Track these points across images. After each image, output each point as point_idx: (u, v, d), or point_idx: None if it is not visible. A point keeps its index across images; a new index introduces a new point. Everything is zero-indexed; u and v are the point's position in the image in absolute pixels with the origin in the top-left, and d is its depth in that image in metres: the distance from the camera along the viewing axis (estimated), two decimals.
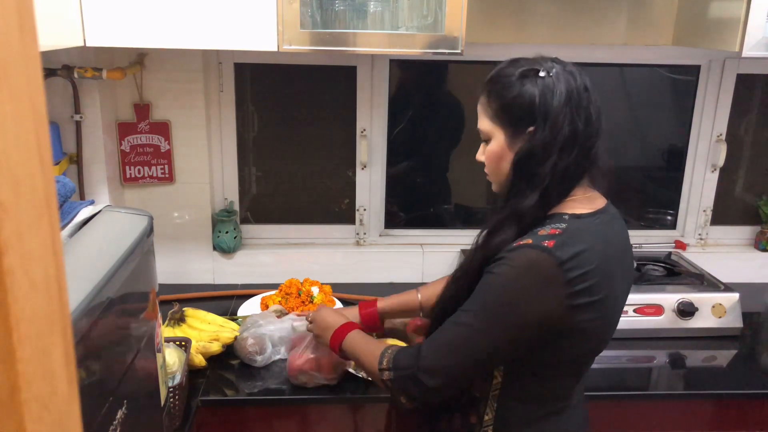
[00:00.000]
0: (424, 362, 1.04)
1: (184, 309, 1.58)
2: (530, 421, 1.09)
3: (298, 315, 1.55)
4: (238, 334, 1.52)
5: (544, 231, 1.00)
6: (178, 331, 1.53)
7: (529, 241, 0.98)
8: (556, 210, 1.04)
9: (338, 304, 1.76)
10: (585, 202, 1.06)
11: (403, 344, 1.27)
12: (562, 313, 0.97)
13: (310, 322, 1.36)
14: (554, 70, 1.03)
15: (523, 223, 1.03)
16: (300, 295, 1.74)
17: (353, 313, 1.43)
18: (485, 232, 1.08)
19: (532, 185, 1.02)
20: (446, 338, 1.04)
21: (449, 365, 1.04)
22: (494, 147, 1.07)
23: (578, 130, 1.01)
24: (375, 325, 1.43)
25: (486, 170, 1.12)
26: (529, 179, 1.03)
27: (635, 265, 1.85)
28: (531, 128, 1.02)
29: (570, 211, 1.03)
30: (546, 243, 0.97)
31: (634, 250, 2.04)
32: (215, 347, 1.50)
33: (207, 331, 1.53)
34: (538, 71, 1.03)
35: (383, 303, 1.44)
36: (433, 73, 2.04)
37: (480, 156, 1.11)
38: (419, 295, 1.42)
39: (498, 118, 1.06)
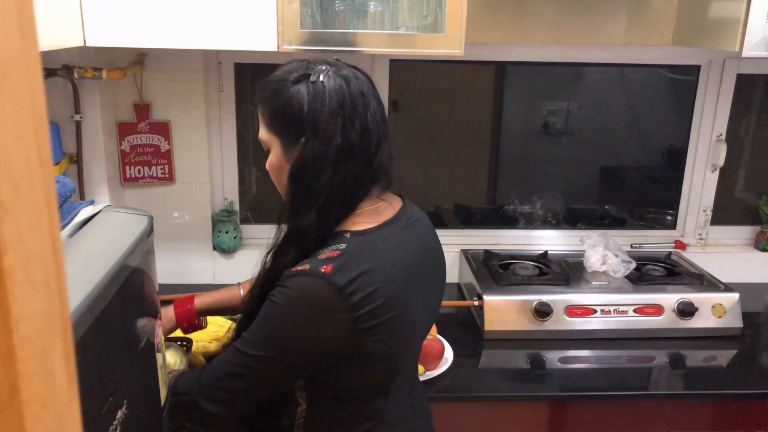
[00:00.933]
0: (203, 388, 1.01)
1: None
2: None
3: None
4: None
5: (324, 254, 0.93)
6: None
7: (307, 267, 0.92)
8: (340, 227, 0.98)
9: None
10: (371, 215, 0.99)
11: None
12: (346, 340, 0.92)
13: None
14: (325, 75, 0.94)
15: (305, 243, 0.96)
16: None
17: (166, 313, 1.32)
18: (271, 252, 1.02)
19: (309, 201, 0.95)
20: (226, 363, 1.00)
21: (228, 391, 0.99)
22: (272, 158, 1.01)
23: (352, 140, 0.93)
24: (192, 323, 1.34)
25: (274, 182, 1.05)
26: (306, 195, 0.96)
27: (635, 265, 1.85)
28: (303, 139, 0.95)
29: (353, 228, 0.97)
30: (323, 268, 0.90)
31: (634, 250, 2.07)
32: (215, 347, 1.50)
33: (207, 331, 1.53)
34: (309, 76, 0.95)
35: (201, 300, 1.34)
36: (432, 73, 2.04)
37: (267, 167, 1.04)
38: (242, 291, 1.34)
39: (272, 126, 0.99)
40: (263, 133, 1.01)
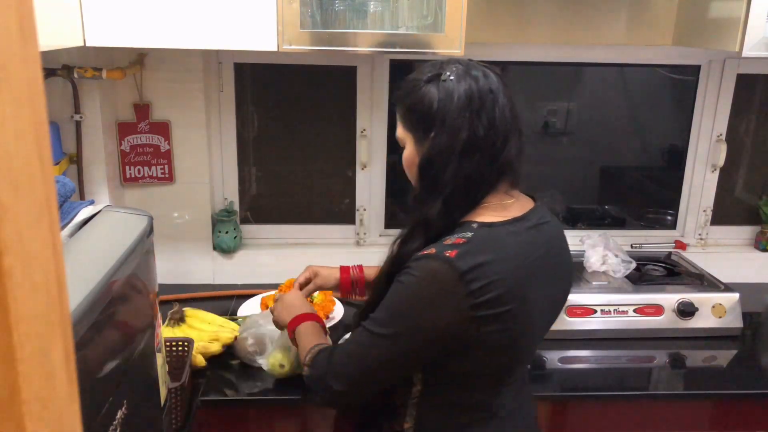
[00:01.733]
0: (333, 365, 1.05)
1: (184, 309, 1.58)
2: (450, 430, 1.07)
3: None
4: (238, 334, 1.52)
5: (449, 240, 0.97)
6: (178, 331, 1.53)
7: (432, 250, 0.96)
8: (468, 218, 1.02)
9: (338, 304, 1.76)
10: (499, 210, 1.03)
11: None
12: (464, 324, 0.95)
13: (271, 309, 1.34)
14: (456, 73, 1.00)
15: (431, 232, 1.01)
16: None
17: (330, 273, 1.40)
18: (398, 239, 1.07)
19: (435, 192, 1.01)
20: (355, 343, 1.04)
21: (354, 371, 1.04)
22: (406, 153, 1.07)
23: (478, 134, 0.98)
24: (360, 288, 1.40)
25: (408, 177, 1.11)
26: (432, 186, 1.01)
27: (635, 265, 1.85)
28: (432, 133, 1.00)
29: (480, 220, 1.01)
30: (448, 253, 0.94)
31: (634, 250, 2.07)
32: (215, 347, 1.50)
33: (207, 331, 1.53)
34: (441, 75, 1.01)
35: (370, 271, 1.40)
36: None
37: (403, 162, 1.11)
38: None
39: (406, 123, 1.06)
40: (399, 130, 1.08)
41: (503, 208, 1.03)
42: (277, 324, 1.32)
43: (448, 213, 1.01)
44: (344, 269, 1.41)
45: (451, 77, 1.00)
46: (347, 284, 1.40)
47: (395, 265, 1.03)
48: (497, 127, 0.99)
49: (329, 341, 1.20)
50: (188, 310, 1.59)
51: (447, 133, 0.98)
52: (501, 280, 0.95)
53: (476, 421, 1.07)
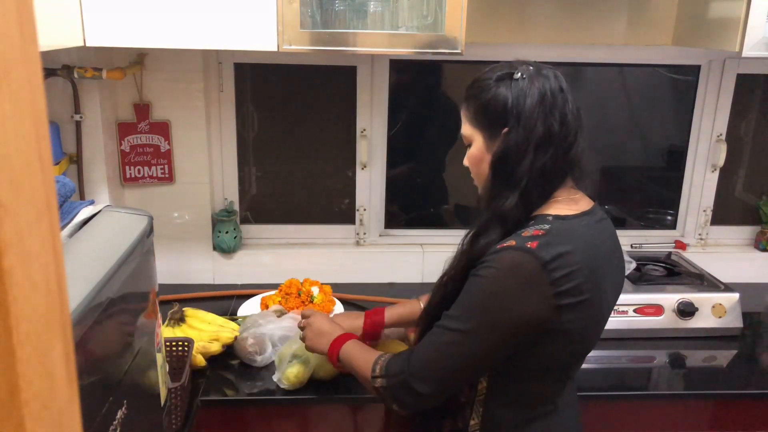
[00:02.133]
0: (414, 368, 1.05)
1: (184, 309, 1.58)
2: (516, 425, 1.09)
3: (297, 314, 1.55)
4: (238, 334, 1.52)
5: (527, 232, 1.00)
6: (178, 331, 1.53)
7: (513, 242, 0.99)
8: (540, 211, 1.05)
9: (338, 304, 1.76)
10: (569, 203, 1.06)
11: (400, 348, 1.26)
12: (548, 313, 0.97)
13: (302, 328, 1.34)
14: (528, 73, 1.04)
15: (507, 225, 1.03)
16: (300, 295, 1.74)
17: (353, 322, 1.43)
18: (471, 234, 1.09)
19: (511, 186, 1.03)
20: (435, 343, 1.04)
21: (439, 370, 1.04)
22: (474, 150, 1.09)
23: (553, 129, 1.01)
24: (377, 334, 1.43)
25: (472, 174, 1.13)
26: (507, 180, 1.04)
27: (635, 265, 1.85)
28: (506, 129, 1.03)
29: (554, 212, 1.04)
30: (529, 244, 0.97)
31: (634, 250, 2.07)
32: (215, 347, 1.50)
33: (207, 331, 1.53)
34: (513, 74, 1.04)
35: (390, 313, 1.43)
36: (431, 74, 2.04)
37: (466, 161, 1.13)
38: (421, 304, 1.40)
39: (476, 121, 1.08)
40: (466, 129, 1.10)
41: (573, 202, 1.07)
42: (314, 350, 1.31)
43: (523, 205, 1.03)
44: (368, 314, 1.44)
45: (524, 76, 1.03)
46: (371, 330, 1.42)
47: (471, 260, 1.04)
48: (568, 123, 1.03)
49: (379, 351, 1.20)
50: (188, 310, 1.59)
51: (523, 129, 1.01)
52: (580, 270, 0.98)
53: (541, 416, 1.09)
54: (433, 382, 1.04)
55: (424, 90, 2.07)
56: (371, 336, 1.43)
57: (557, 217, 1.03)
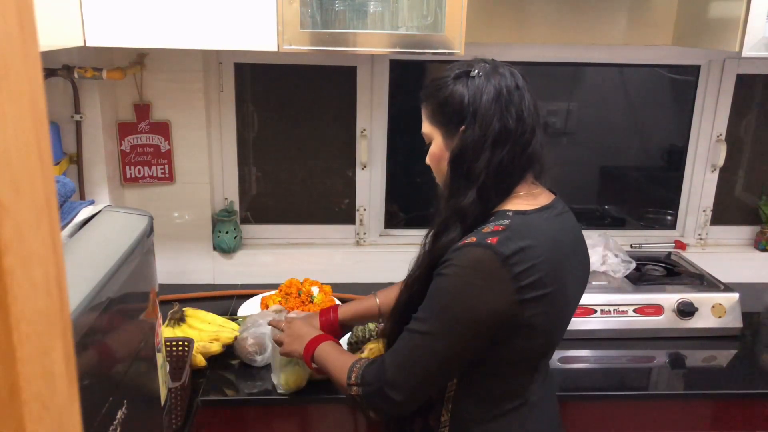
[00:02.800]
0: (389, 376, 1.04)
1: (184, 309, 1.58)
2: (485, 420, 1.09)
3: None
4: (238, 334, 1.52)
5: (488, 228, 1.00)
6: (178, 331, 1.53)
7: (473, 239, 0.99)
8: (500, 207, 1.05)
9: (338, 304, 1.76)
10: (529, 198, 1.07)
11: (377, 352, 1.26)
12: (511, 308, 0.98)
13: (278, 341, 1.33)
14: (485, 71, 1.05)
15: (466, 222, 1.04)
16: (300, 295, 1.74)
17: (312, 322, 1.39)
18: (432, 233, 1.09)
19: (469, 182, 1.04)
20: (406, 348, 1.04)
21: (414, 376, 1.04)
22: (434, 148, 1.10)
23: (509, 126, 1.02)
24: (334, 332, 1.39)
25: (434, 173, 1.14)
26: (466, 177, 1.04)
27: (635, 265, 1.85)
28: (462, 127, 1.04)
29: (514, 208, 1.04)
30: (489, 240, 0.98)
31: (634, 249, 2.07)
32: (215, 347, 1.50)
33: (207, 331, 1.53)
34: (469, 72, 1.05)
35: (343, 310, 1.41)
36: (430, 74, 2.04)
37: (427, 159, 1.13)
38: (377, 300, 1.40)
39: (435, 119, 1.09)
40: (426, 127, 1.12)
41: (533, 197, 1.07)
42: (291, 356, 1.31)
43: (482, 202, 1.04)
44: (323, 312, 1.41)
45: (480, 74, 1.04)
46: (326, 329, 1.38)
47: (434, 259, 1.04)
48: (525, 119, 1.04)
49: (356, 355, 1.20)
50: (188, 310, 1.59)
51: (479, 126, 1.02)
52: (541, 263, 0.98)
53: (511, 410, 1.09)
54: (408, 388, 1.04)
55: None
56: (330, 334, 1.38)
57: (517, 213, 1.03)
